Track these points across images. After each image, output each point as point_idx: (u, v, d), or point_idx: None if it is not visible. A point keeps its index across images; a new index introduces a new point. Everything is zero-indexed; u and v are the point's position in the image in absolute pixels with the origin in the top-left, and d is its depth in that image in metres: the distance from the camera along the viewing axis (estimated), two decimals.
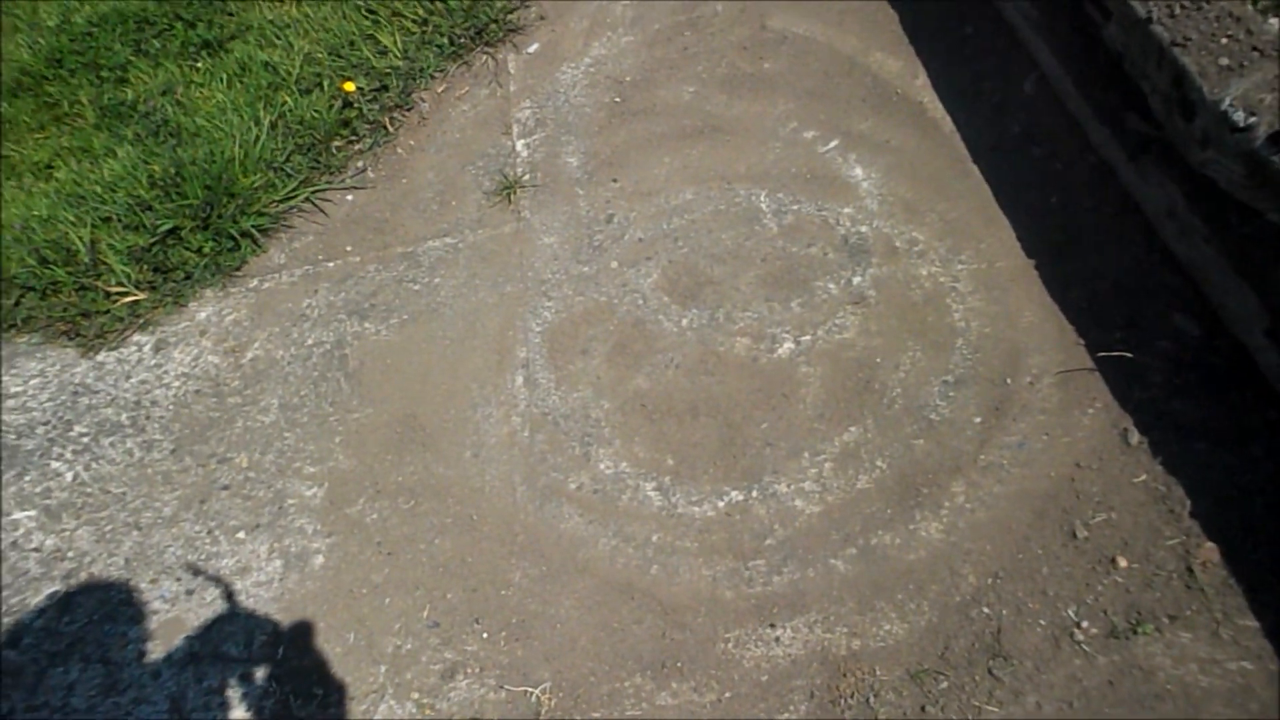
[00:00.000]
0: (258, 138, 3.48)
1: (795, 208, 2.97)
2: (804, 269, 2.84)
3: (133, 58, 4.18)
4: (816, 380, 2.63)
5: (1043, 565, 2.24)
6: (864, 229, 2.87)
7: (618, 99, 3.43)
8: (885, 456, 2.47)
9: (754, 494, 2.49)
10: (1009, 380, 2.51)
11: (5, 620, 2.71)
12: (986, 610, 2.21)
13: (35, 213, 3.56)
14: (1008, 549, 2.28)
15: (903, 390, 2.56)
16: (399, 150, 3.54)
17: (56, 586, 2.74)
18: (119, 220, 3.42)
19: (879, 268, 2.79)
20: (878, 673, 2.18)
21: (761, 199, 3.02)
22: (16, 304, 3.38)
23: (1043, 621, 2.17)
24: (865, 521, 2.39)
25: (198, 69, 4.00)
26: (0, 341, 3.37)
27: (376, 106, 3.58)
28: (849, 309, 2.73)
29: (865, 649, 2.22)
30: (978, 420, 2.48)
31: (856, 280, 2.78)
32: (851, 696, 2.17)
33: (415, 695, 2.38)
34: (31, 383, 3.23)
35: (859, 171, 3.00)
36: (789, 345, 2.71)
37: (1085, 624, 2.14)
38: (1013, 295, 2.65)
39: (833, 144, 3.08)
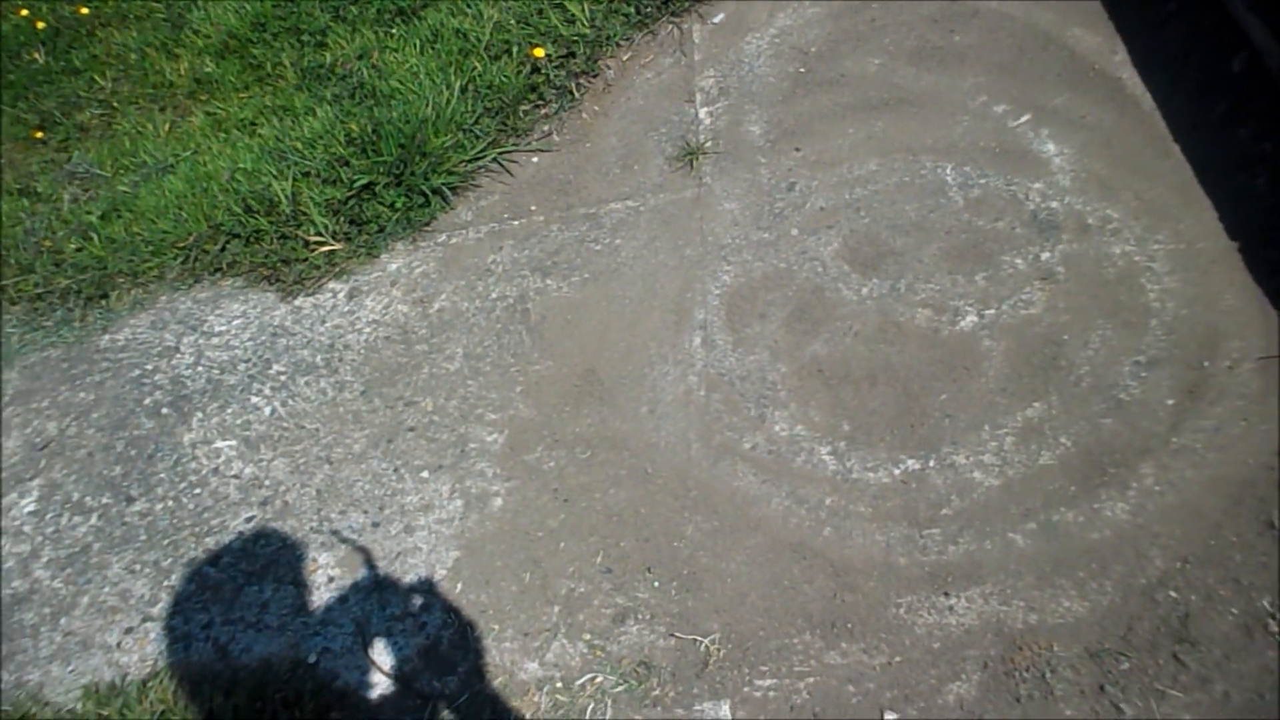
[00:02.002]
0: (449, 100, 3.61)
1: (982, 181, 2.93)
2: (990, 243, 2.80)
3: (331, 23, 4.39)
4: (999, 354, 2.60)
5: (1236, 553, 2.17)
6: (1055, 205, 2.81)
7: (802, 69, 3.43)
8: (1070, 434, 2.43)
9: (931, 464, 2.48)
10: (1206, 364, 2.43)
11: (206, 540, 2.91)
12: (1173, 594, 2.15)
13: (241, 165, 3.79)
14: (1199, 534, 2.21)
15: (1091, 368, 2.51)
16: (584, 115, 3.63)
17: (254, 512, 2.92)
18: (318, 175, 3.62)
19: (1069, 244, 2.73)
20: (1055, 649, 2.15)
21: (947, 172, 2.98)
22: (223, 249, 3.61)
23: (1234, 610, 2.10)
24: (1047, 497, 2.35)
25: (392, 35, 4.18)
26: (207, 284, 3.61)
27: (563, 73, 3.67)
28: (1036, 284, 2.68)
29: (1043, 624, 2.19)
30: (1170, 402, 2.41)
31: (1045, 256, 2.73)
32: (1027, 670, 2.14)
33: (587, 636, 2.46)
34: (234, 323, 3.44)
35: (1051, 147, 2.93)
36: (972, 318, 2.68)
37: None
38: (1213, 278, 2.55)
39: (1024, 119, 3.02)
